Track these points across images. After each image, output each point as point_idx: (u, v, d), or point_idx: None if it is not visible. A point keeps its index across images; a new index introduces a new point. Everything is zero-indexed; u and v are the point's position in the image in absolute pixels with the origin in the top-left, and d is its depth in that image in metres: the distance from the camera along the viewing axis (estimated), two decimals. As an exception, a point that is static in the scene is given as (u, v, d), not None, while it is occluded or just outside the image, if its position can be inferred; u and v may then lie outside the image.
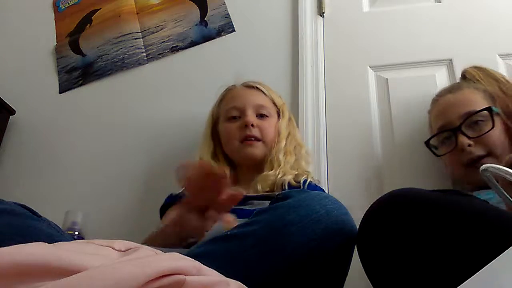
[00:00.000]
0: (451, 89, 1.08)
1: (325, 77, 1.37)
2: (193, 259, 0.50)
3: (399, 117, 1.25)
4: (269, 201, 0.75)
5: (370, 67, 1.36)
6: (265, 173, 1.05)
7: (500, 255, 0.42)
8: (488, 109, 0.98)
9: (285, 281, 0.65)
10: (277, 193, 0.88)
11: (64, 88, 1.61)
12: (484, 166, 0.54)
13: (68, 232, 1.19)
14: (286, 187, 1.01)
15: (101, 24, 1.67)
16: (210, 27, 1.54)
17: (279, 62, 1.43)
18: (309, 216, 0.67)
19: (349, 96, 1.33)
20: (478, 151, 0.97)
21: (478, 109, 0.98)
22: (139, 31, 1.61)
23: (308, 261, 0.66)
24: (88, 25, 1.69)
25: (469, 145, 0.97)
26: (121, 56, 1.58)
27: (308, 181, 1.04)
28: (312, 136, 1.28)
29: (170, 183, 1.18)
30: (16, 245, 0.42)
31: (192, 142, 1.25)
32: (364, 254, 0.64)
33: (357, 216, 0.69)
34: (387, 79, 1.32)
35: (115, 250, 0.50)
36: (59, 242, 0.53)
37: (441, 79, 1.26)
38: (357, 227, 0.67)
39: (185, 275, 0.44)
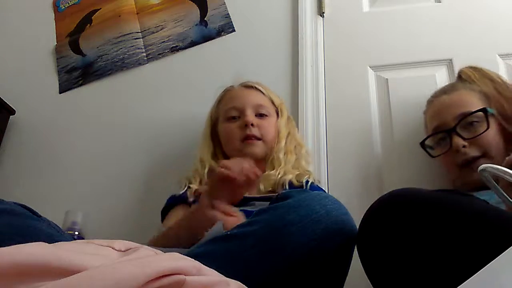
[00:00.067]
0: (446, 90, 1.08)
1: (325, 77, 1.38)
2: (193, 259, 0.50)
3: (399, 117, 1.25)
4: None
5: (370, 67, 1.36)
6: (266, 172, 1.05)
7: (500, 255, 0.42)
8: (483, 110, 0.98)
9: (285, 281, 0.65)
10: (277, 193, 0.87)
11: (64, 88, 1.61)
12: (482, 166, 0.54)
13: (68, 232, 1.19)
14: (287, 187, 1.02)
15: (101, 24, 1.67)
16: (210, 27, 1.54)
17: (279, 62, 1.43)
18: (309, 216, 0.67)
19: (349, 96, 1.33)
20: (473, 152, 0.97)
21: (473, 110, 0.98)
22: (139, 31, 1.61)
23: (308, 261, 0.66)
24: (88, 25, 1.69)
25: (464, 146, 0.97)
26: (121, 56, 1.58)
27: (310, 182, 1.05)
28: (312, 136, 1.28)
29: (170, 183, 1.19)
30: (16, 245, 0.42)
31: (192, 142, 1.25)
32: (364, 254, 0.64)
33: (357, 216, 0.69)
34: (387, 79, 1.32)
35: (115, 250, 0.50)
36: (59, 242, 0.53)
37: (441, 79, 1.26)
38: (357, 227, 0.67)
39: (185, 275, 0.44)
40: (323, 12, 1.47)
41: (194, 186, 1.07)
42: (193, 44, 1.53)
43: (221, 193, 0.84)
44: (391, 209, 0.61)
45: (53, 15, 1.75)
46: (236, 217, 0.80)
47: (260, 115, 1.12)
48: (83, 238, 1.21)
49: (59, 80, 1.62)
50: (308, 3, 1.48)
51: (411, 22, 1.39)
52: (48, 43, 1.68)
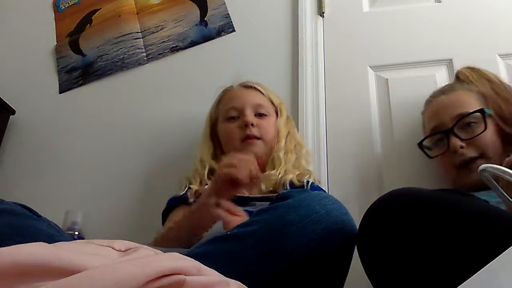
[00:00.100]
0: (444, 90, 1.08)
1: (325, 77, 1.38)
2: (193, 259, 0.50)
3: (399, 117, 1.25)
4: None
5: (370, 67, 1.36)
6: (267, 172, 1.06)
7: (500, 255, 0.42)
8: (481, 110, 0.98)
9: (285, 281, 0.65)
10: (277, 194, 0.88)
11: (64, 88, 1.61)
12: (482, 166, 0.54)
13: (68, 232, 1.19)
14: (288, 187, 1.02)
15: (101, 24, 1.67)
16: (210, 27, 1.54)
17: (279, 62, 1.43)
18: (309, 216, 0.67)
19: (349, 96, 1.33)
20: (470, 153, 0.97)
21: (471, 111, 0.99)
22: (139, 31, 1.61)
23: (308, 261, 0.66)
24: (88, 25, 1.69)
25: (461, 147, 0.97)
26: (121, 56, 1.58)
27: (311, 182, 1.05)
28: (312, 136, 1.28)
29: (170, 183, 1.19)
30: (16, 245, 0.42)
31: (192, 142, 1.25)
32: (364, 254, 0.64)
33: (357, 216, 0.69)
34: (387, 79, 1.32)
35: (115, 250, 0.50)
36: (59, 242, 0.53)
37: (441, 79, 1.26)
38: (357, 227, 0.67)
39: (185, 275, 0.44)
40: (323, 12, 1.47)
41: (195, 187, 1.07)
42: (193, 44, 1.53)
43: (224, 192, 0.85)
44: (391, 209, 0.61)
45: (53, 15, 1.75)
46: (240, 217, 0.80)
47: (260, 115, 1.12)
48: (83, 238, 1.21)
49: (59, 80, 1.62)
50: (308, 3, 1.48)
51: (411, 22, 1.39)
52: (48, 43, 1.68)
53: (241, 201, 0.89)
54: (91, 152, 1.46)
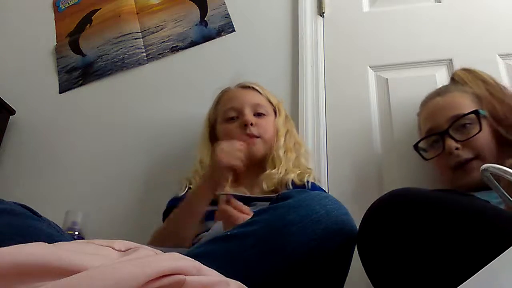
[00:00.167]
0: (439, 92, 1.08)
1: (325, 77, 1.38)
2: (193, 259, 0.50)
3: (399, 117, 1.25)
4: None
5: (370, 67, 1.36)
6: (268, 171, 1.06)
7: (500, 255, 0.42)
8: (475, 112, 0.98)
9: (285, 281, 0.65)
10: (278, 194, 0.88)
11: (64, 88, 1.61)
12: (484, 166, 0.54)
13: (68, 232, 1.19)
14: (290, 186, 1.02)
15: (101, 24, 1.67)
16: (210, 27, 1.54)
17: (279, 62, 1.43)
18: (309, 216, 0.67)
19: (349, 96, 1.33)
20: (465, 154, 0.97)
21: (465, 112, 0.99)
22: (139, 31, 1.61)
23: (308, 261, 0.66)
24: (88, 25, 1.69)
25: (457, 149, 0.97)
26: (121, 56, 1.58)
27: (311, 181, 1.06)
28: (312, 136, 1.28)
29: (170, 183, 1.19)
30: (16, 245, 0.42)
31: (192, 142, 1.25)
32: (364, 254, 0.64)
33: (357, 216, 0.69)
34: (387, 79, 1.32)
35: (115, 250, 0.50)
36: (59, 242, 0.53)
37: (441, 79, 1.26)
38: (357, 227, 0.67)
39: (185, 275, 0.44)
40: (323, 12, 1.47)
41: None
42: (193, 44, 1.53)
43: (220, 176, 0.97)
44: (391, 209, 0.61)
45: (53, 15, 1.75)
46: (248, 215, 0.80)
47: (258, 114, 1.13)
48: (83, 238, 1.21)
49: (59, 80, 1.62)
50: (308, 3, 1.48)
51: (411, 22, 1.39)
52: (48, 43, 1.68)
53: (242, 201, 0.89)
54: (91, 152, 1.46)
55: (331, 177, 1.23)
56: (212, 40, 1.52)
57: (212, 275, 0.50)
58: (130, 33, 1.61)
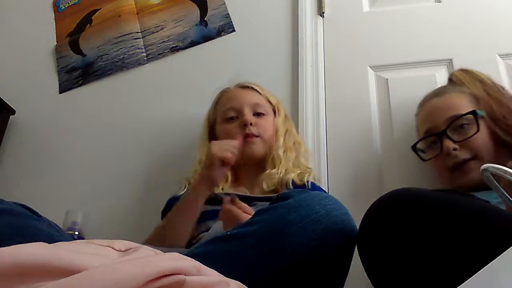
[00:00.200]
0: (437, 93, 1.08)
1: (325, 77, 1.38)
2: (193, 259, 0.50)
3: (399, 117, 1.25)
4: None
5: (370, 67, 1.36)
6: (268, 171, 1.07)
7: (500, 255, 0.42)
8: (473, 112, 0.98)
9: (285, 281, 0.65)
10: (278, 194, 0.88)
11: (64, 88, 1.61)
12: (484, 166, 0.54)
13: (68, 232, 1.19)
14: (291, 186, 1.03)
15: (101, 24, 1.67)
16: (210, 27, 1.54)
17: (279, 62, 1.43)
18: (309, 216, 0.67)
19: (349, 96, 1.33)
20: (463, 154, 0.97)
21: (463, 113, 0.99)
22: (139, 31, 1.61)
23: (308, 261, 0.66)
24: (88, 25, 1.69)
25: (455, 149, 0.98)
26: (121, 56, 1.58)
27: (311, 181, 1.06)
28: (312, 136, 1.28)
29: (170, 183, 1.19)
30: (16, 245, 0.42)
31: (192, 142, 1.25)
32: (364, 254, 0.64)
33: (357, 216, 0.69)
34: (387, 79, 1.32)
35: (115, 250, 0.50)
36: (59, 242, 0.53)
37: (441, 79, 1.26)
38: (357, 227, 0.67)
39: (185, 275, 0.44)
40: (323, 12, 1.47)
41: None
42: (193, 44, 1.53)
43: (215, 171, 0.99)
44: (391, 209, 0.61)
45: (53, 15, 1.75)
46: (250, 215, 0.80)
47: (258, 114, 1.13)
48: (83, 238, 1.21)
49: (59, 80, 1.62)
50: (308, 3, 1.48)
51: (411, 22, 1.39)
52: (48, 43, 1.68)
53: (243, 201, 0.89)
54: (91, 152, 1.46)
55: (331, 177, 1.23)
56: (212, 40, 1.52)
57: (212, 275, 0.50)
58: (130, 33, 1.61)
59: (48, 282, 0.39)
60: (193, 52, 1.52)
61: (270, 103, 1.18)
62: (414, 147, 1.08)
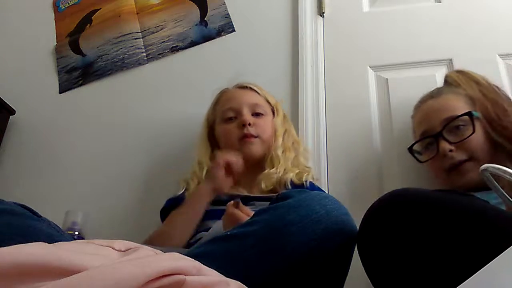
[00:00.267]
0: (432, 95, 1.08)
1: (325, 77, 1.38)
2: (193, 259, 0.50)
3: (399, 117, 1.25)
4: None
5: (370, 67, 1.36)
6: (267, 171, 1.06)
7: (500, 255, 0.42)
8: (468, 113, 0.98)
9: (285, 281, 0.65)
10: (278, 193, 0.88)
11: (64, 88, 1.61)
12: (484, 166, 0.54)
13: (68, 232, 1.19)
14: (289, 186, 1.02)
15: (101, 24, 1.67)
16: (210, 27, 1.54)
17: (279, 62, 1.43)
18: (309, 216, 0.67)
19: (349, 96, 1.33)
20: (459, 156, 0.97)
21: (459, 114, 0.99)
22: (139, 31, 1.61)
23: (308, 261, 0.66)
24: (88, 25, 1.69)
25: (451, 151, 0.97)
26: (121, 56, 1.58)
27: (310, 181, 1.06)
28: (312, 136, 1.28)
29: (169, 183, 1.19)
30: (16, 245, 0.42)
31: (192, 142, 1.25)
32: (364, 254, 0.64)
33: (357, 216, 0.69)
34: (387, 79, 1.32)
35: (115, 250, 0.50)
36: (59, 242, 0.53)
37: (441, 79, 1.25)
38: (357, 227, 0.67)
39: (185, 275, 0.44)
40: (323, 12, 1.47)
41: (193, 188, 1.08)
42: (193, 44, 1.53)
43: (222, 176, 1.03)
44: (391, 209, 0.61)
45: (53, 15, 1.75)
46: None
47: (257, 114, 1.13)
48: (83, 238, 1.21)
49: (59, 80, 1.62)
50: (308, 3, 1.48)
51: (411, 22, 1.39)
52: (48, 43, 1.68)
53: (242, 201, 0.89)
54: (91, 152, 1.46)
55: (331, 177, 1.23)
56: (212, 40, 1.52)
57: (212, 275, 0.50)
58: (130, 33, 1.61)
59: (48, 282, 0.39)
60: (193, 52, 1.52)
61: (269, 103, 1.18)
62: (410, 149, 1.09)
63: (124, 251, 0.51)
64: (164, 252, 0.52)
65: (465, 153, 0.97)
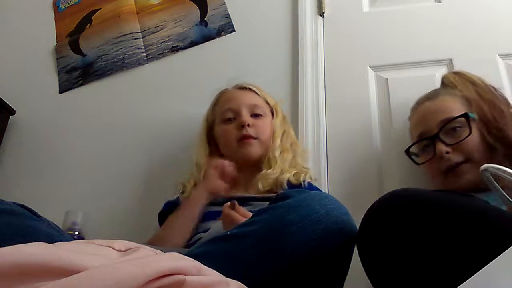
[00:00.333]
0: (429, 96, 1.08)
1: (325, 77, 1.38)
2: (193, 259, 0.50)
3: (399, 117, 1.25)
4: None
5: (370, 67, 1.36)
6: (264, 171, 1.06)
7: (500, 256, 0.42)
8: (465, 115, 0.98)
9: (285, 281, 0.65)
10: (276, 193, 0.88)
11: (64, 88, 1.61)
12: (484, 166, 0.54)
13: (68, 232, 1.19)
14: (285, 186, 1.02)
15: (101, 24, 1.67)
16: (210, 27, 1.54)
17: (279, 62, 1.43)
18: (309, 216, 0.67)
19: (349, 96, 1.33)
20: (456, 158, 0.97)
21: (455, 116, 0.98)
22: (139, 31, 1.61)
23: (308, 261, 0.66)
24: (88, 25, 1.69)
25: (447, 152, 0.97)
26: (121, 56, 1.58)
27: (308, 181, 1.06)
28: (312, 136, 1.28)
29: (169, 183, 1.19)
30: (16, 245, 0.42)
31: (192, 142, 1.25)
32: (364, 254, 0.64)
33: (357, 216, 0.69)
34: (387, 79, 1.32)
35: (115, 250, 0.50)
36: (59, 242, 0.53)
37: (441, 79, 1.26)
38: (357, 227, 0.67)
39: (185, 275, 0.44)
40: (323, 12, 1.47)
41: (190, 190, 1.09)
42: (193, 44, 1.53)
43: (216, 180, 1.05)
44: (391, 209, 0.61)
45: (53, 15, 1.75)
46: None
47: (256, 115, 1.13)
48: (83, 238, 1.21)
49: (59, 80, 1.62)
50: (308, 3, 1.48)
51: (411, 22, 1.39)
52: (48, 43, 1.68)
53: (239, 201, 0.89)
54: (91, 152, 1.46)
55: (331, 177, 1.23)
56: (212, 40, 1.52)
57: (212, 275, 0.50)
58: (130, 33, 1.61)
59: (48, 282, 0.39)
60: (193, 52, 1.52)
61: (268, 104, 1.18)
62: (407, 151, 1.08)
63: (124, 251, 0.51)
64: (164, 252, 0.52)
65: (462, 155, 0.97)
